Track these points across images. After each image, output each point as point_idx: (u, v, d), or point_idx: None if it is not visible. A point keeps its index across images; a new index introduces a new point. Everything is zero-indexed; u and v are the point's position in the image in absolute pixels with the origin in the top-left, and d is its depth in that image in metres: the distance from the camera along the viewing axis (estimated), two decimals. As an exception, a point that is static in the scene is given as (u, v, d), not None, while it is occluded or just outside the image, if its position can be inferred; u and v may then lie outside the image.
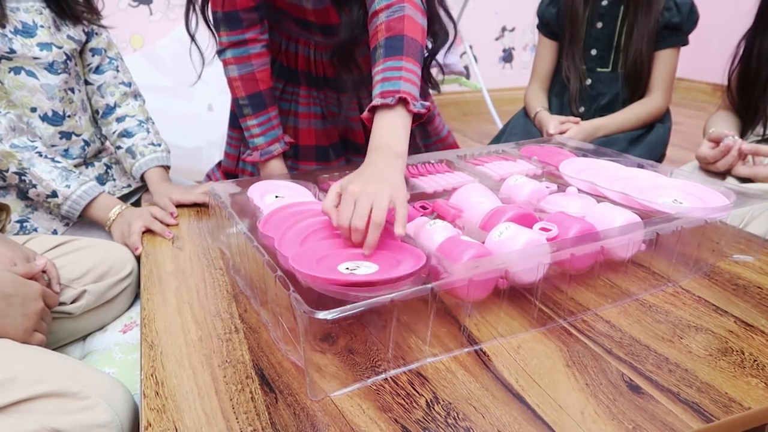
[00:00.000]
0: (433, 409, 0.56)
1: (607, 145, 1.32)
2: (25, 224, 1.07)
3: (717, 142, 1.18)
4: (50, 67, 1.08)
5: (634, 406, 0.56)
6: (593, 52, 1.51)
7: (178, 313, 0.73)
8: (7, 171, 1.01)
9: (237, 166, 1.34)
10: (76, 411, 0.65)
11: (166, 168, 1.19)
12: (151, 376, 0.61)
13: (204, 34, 1.14)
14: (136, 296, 1.01)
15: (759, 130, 1.24)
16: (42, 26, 1.07)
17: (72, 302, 0.88)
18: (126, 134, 1.19)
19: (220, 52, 1.12)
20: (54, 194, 1.01)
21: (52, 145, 1.11)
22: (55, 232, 1.07)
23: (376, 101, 0.79)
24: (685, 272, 0.81)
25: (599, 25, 1.49)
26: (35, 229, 1.07)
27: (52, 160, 1.03)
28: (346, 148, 1.31)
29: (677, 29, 1.44)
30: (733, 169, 1.15)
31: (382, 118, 0.79)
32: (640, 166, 1.00)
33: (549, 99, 1.62)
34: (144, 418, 0.56)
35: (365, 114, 0.82)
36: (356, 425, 0.54)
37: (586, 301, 0.74)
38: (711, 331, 0.69)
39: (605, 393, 0.58)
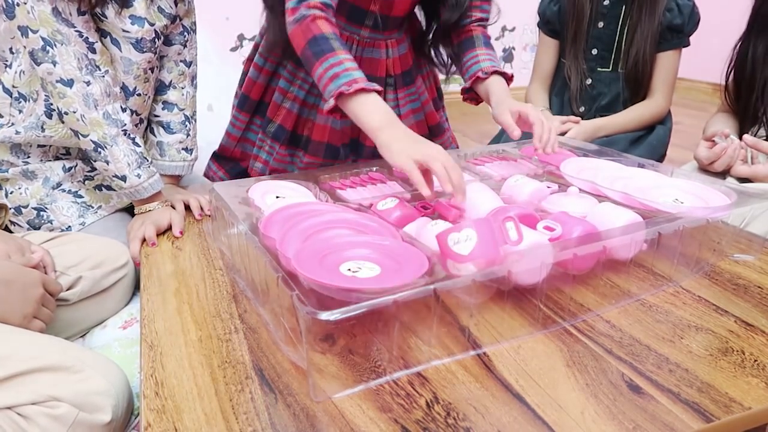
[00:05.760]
0: (433, 409, 0.56)
1: (608, 146, 1.32)
2: (42, 213, 1.05)
3: (713, 141, 1.18)
4: (136, 44, 1.03)
5: (634, 406, 0.56)
6: (594, 51, 1.50)
7: (178, 313, 0.73)
8: (86, 135, 0.97)
9: (236, 147, 1.35)
10: (73, 382, 0.67)
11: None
12: (151, 376, 0.61)
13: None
14: (135, 293, 1.02)
15: (759, 132, 1.24)
16: None
17: (68, 289, 0.89)
18: (166, 127, 1.17)
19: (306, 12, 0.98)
20: (123, 178, 1.00)
21: None
22: (69, 228, 1.06)
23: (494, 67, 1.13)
24: (685, 272, 0.81)
25: (600, 24, 1.48)
26: (50, 221, 1.05)
27: (133, 141, 1.01)
28: (355, 149, 1.31)
29: (679, 31, 1.43)
30: (732, 169, 1.15)
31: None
32: (641, 165, 0.99)
33: (549, 98, 1.62)
34: (144, 418, 0.56)
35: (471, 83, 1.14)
36: (356, 425, 0.54)
37: (586, 302, 0.74)
38: (711, 330, 0.69)
39: (605, 393, 0.58)
